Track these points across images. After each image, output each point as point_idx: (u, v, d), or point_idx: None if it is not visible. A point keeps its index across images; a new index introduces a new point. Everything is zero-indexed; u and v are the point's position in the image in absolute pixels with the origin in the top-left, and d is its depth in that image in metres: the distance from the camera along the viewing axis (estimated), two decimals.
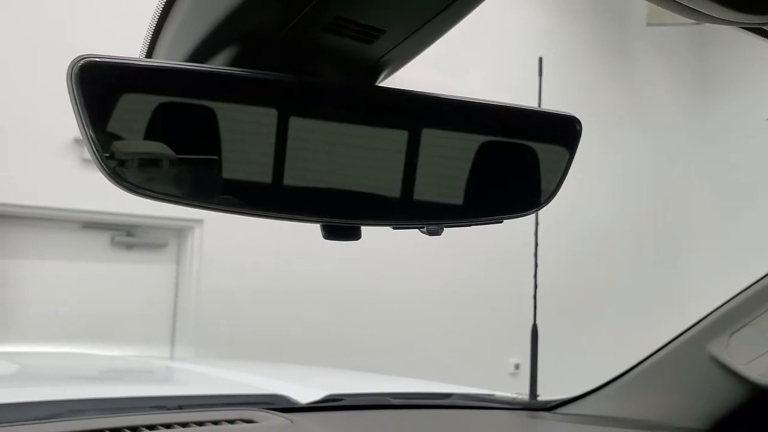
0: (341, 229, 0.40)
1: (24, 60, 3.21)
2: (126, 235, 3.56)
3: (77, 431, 0.86)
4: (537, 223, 1.45)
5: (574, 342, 4.61)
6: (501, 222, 0.44)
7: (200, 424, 0.93)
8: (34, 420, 0.95)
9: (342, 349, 3.76)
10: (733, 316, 1.12)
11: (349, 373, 1.83)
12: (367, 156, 0.39)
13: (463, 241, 4.47)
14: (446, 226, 0.43)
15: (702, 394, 1.14)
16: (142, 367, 1.71)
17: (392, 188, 0.39)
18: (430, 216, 0.42)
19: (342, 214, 0.40)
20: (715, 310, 1.15)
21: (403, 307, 4.21)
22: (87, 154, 3.04)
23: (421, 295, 4.29)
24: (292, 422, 0.98)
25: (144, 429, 0.89)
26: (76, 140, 3.30)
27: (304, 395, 1.19)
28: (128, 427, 0.89)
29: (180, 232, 3.71)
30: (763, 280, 1.11)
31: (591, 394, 1.28)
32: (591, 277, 5.07)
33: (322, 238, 0.41)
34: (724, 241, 5.41)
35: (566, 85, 4.61)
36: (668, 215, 5.70)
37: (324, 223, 0.40)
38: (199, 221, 3.65)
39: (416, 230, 0.41)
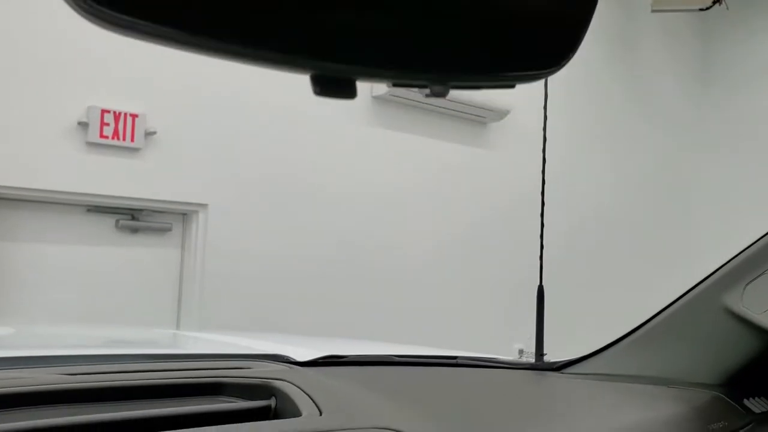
0: (335, 84, 0.37)
1: (25, 42, 3.19)
2: (130, 219, 3.54)
3: (77, 374, 0.83)
4: (543, 182, 1.41)
5: (580, 307, 4.58)
6: (513, 87, 0.40)
7: (194, 370, 0.90)
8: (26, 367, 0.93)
9: (346, 330, 3.73)
10: (746, 266, 1.08)
11: (352, 340, 1.80)
12: None
13: (465, 231, 4.44)
14: (453, 86, 0.38)
15: (715, 347, 1.11)
16: (140, 333, 1.69)
17: (393, 32, 0.36)
18: (436, 69, 0.38)
19: (335, 59, 0.36)
20: (728, 261, 1.12)
21: (408, 292, 4.19)
22: (91, 137, 3.02)
23: (425, 280, 4.26)
24: (291, 368, 0.95)
25: (135, 373, 0.86)
26: (80, 123, 3.29)
27: (304, 355, 1.15)
28: (119, 371, 0.86)
29: (185, 216, 3.69)
30: None
31: (600, 352, 1.24)
32: (593, 251, 5.04)
33: (314, 95, 0.38)
34: (730, 214, 5.39)
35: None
36: (674, 187, 5.69)
37: (315, 74, 0.37)
38: (204, 206, 3.63)
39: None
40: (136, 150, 3.43)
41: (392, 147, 4.22)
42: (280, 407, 0.76)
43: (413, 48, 0.36)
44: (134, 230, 3.56)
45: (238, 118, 3.70)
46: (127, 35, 0.33)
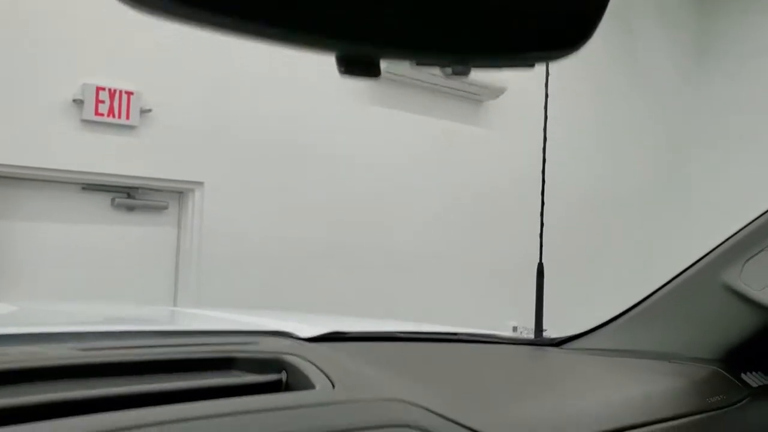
0: (359, 64, 0.38)
1: (18, 18, 3.16)
2: (126, 197, 3.54)
3: (81, 350, 0.84)
4: (544, 160, 1.42)
5: (578, 285, 4.62)
6: (533, 66, 0.41)
7: (203, 345, 0.91)
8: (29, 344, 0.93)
9: (344, 307, 3.76)
10: (746, 243, 1.10)
11: (355, 317, 1.82)
12: None
13: (461, 210, 4.46)
14: (474, 66, 0.39)
15: (714, 323, 1.12)
16: (146, 311, 1.70)
17: (416, 13, 0.36)
18: (457, 49, 0.38)
19: (360, 40, 0.37)
20: (728, 238, 1.13)
21: (403, 270, 4.21)
22: (86, 114, 3.00)
23: (420, 258, 4.29)
24: (300, 344, 0.96)
25: (149, 348, 0.87)
26: (75, 101, 3.27)
27: (309, 332, 1.16)
28: (125, 347, 0.87)
29: (180, 194, 3.68)
30: None
31: (599, 328, 1.26)
32: (589, 230, 5.07)
33: (339, 75, 0.39)
34: (725, 189, 5.43)
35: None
36: (671, 166, 5.72)
37: (340, 54, 0.37)
38: (200, 183, 3.63)
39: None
40: (131, 128, 3.42)
41: (389, 125, 4.21)
42: (291, 381, 0.77)
43: (435, 28, 0.37)
44: (130, 208, 3.56)
45: (235, 96, 3.69)
46: (149, 14, 0.34)
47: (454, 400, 0.76)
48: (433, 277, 4.31)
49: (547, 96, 1.36)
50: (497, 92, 4.48)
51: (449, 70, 0.40)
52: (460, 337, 1.29)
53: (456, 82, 4.25)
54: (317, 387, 0.69)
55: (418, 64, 0.40)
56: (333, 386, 0.69)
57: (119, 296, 3.37)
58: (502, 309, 4.36)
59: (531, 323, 4.20)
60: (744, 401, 1.02)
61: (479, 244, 4.52)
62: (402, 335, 1.22)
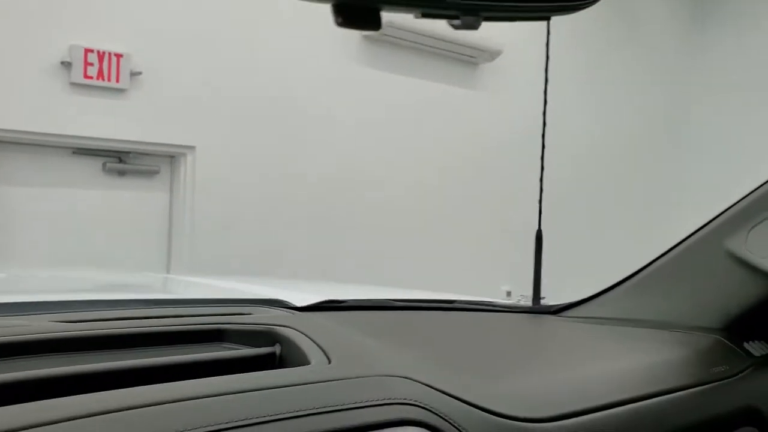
0: (359, 13, 0.34)
1: None
2: (118, 161, 3.49)
3: (66, 321, 0.81)
4: (544, 124, 1.38)
5: (577, 252, 4.61)
6: (548, 19, 0.37)
7: (195, 316, 0.88)
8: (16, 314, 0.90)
9: (336, 272, 3.75)
10: (751, 210, 1.07)
11: (349, 284, 1.80)
12: None
13: (455, 173, 4.42)
14: (485, 18, 0.35)
15: (717, 291, 1.10)
16: (137, 278, 1.68)
17: None
18: None
19: None
20: (733, 205, 1.10)
21: (397, 233, 4.19)
22: (74, 77, 2.93)
23: (413, 222, 4.26)
24: (294, 314, 0.93)
25: (136, 320, 0.84)
26: (63, 63, 3.20)
27: (302, 300, 1.14)
28: (119, 318, 0.84)
29: (172, 158, 3.63)
30: None
31: (598, 296, 1.24)
32: (589, 195, 5.05)
33: (336, 25, 0.35)
34: (724, 156, 5.41)
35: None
36: (671, 128, 5.70)
37: (338, 1, 0.33)
38: (191, 147, 3.58)
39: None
40: (121, 91, 3.35)
41: (382, 87, 4.15)
42: (285, 354, 0.74)
43: None
44: (121, 173, 3.51)
45: (226, 58, 3.62)
46: None
47: (454, 373, 0.74)
48: (428, 240, 4.29)
49: (548, 58, 1.31)
50: (493, 54, 4.41)
51: (458, 21, 0.36)
52: (457, 305, 1.27)
53: (452, 45, 4.17)
54: (313, 362, 0.66)
55: (424, 15, 0.36)
56: (329, 361, 0.66)
57: (111, 262, 3.34)
58: (495, 273, 4.36)
59: (525, 288, 4.21)
60: (747, 371, 1.00)
61: (474, 207, 4.50)
62: (398, 304, 1.19)
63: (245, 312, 0.92)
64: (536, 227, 1.40)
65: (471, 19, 0.35)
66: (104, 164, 3.45)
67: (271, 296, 1.18)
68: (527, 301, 1.41)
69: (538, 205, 1.46)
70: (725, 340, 1.06)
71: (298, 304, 1.09)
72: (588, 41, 5.07)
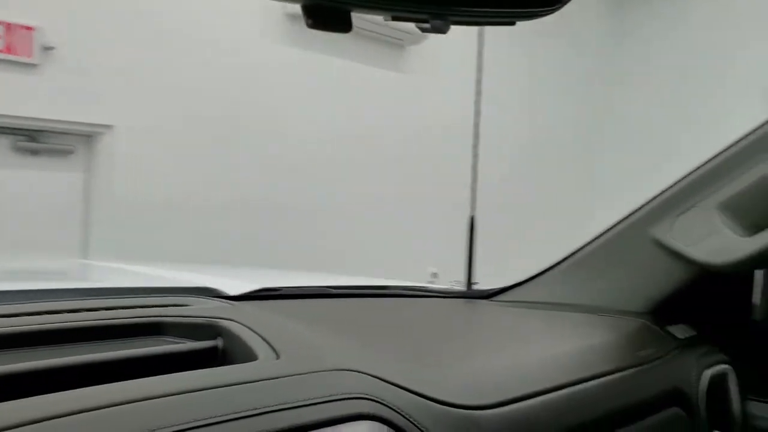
0: (329, 14, 0.33)
1: None
2: (29, 140, 3.32)
3: None
4: (477, 112, 1.40)
5: (508, 236, 4.69)
6: (513, 24, 0.37)
7: (130, 308, 0.85)
8: None
9: (269, 256, 3.70)
10: (677, 199, 1.12)
11: (279, 270, 1.77)
12: None
13: (381, 155, 4.43)
14: (453, 21, 0.35)
15: (643, 276, 1.15)
16: (57, 265, 1.60)
17: None
18: (436, 3, 0.34)
19: None
20: (659, 194, 1.15)
21: (329, 216, 4.17)
22: None
23: (344, 205, 4.25)
24: (233, 305, 0.91)
25: (66, 312, 0.80)
26: None
27: (235, 288, 1.11)
28: (47, 311, 0.80)
29: (89, 138, 3.48)
30: (708, 163, 1.10)
31: (530, 281, 1.27)
32: (515, 181, 5.16)
33: (306, 27, 0.34)
34: (644, 141, 5.59)
35: None
36: (596, 113, 5.85)
37: (308, 3, 0.32)
38: (109, 127, 3.44)
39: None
40: (32, 66, 3.18)
41: (308, 68, 4.10)
42: (228, 348, 0.73)
43: None
44: (34, 152, 3.34)
45: (144, 34, 3.48)
46: None
47: (400, 363, 0.74)
48: (353, 223, 4.28)
49: (481, 44, 1.33)
50: (420, 37, 4.42)
51: (427, 25, 0.36)
52: (393, 291, 1.27)
53: (378, 26, 4.15)
54: (260, 357, 0.65)
55: (393, 18, 0.35)
56: (277, 356, 0.65)
57: (22, 246, 3.18)
58: (422, 257, 4.40)
59: (451, 272, 4.28)
60: (672, 353, 1.05)
61: (400, 190, 4.52)
62: (334, 291, 1.19)
63: (181, 303, 0.89)
64: (464, 211, 1.42)
65: (439, 23, 0.35)
66: (15, 143, 3.28)
67: (202, 284, 1.15)
68: (454, 284, 1.43)
69: (469, 190, 1.48)
70: (651, 324, 1.11)
71: (231, 293, 1.07)
72: (514, 29, 5.13)
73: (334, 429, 0.55)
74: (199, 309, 0.86)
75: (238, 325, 0.75)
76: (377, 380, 0.64)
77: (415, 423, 0.61)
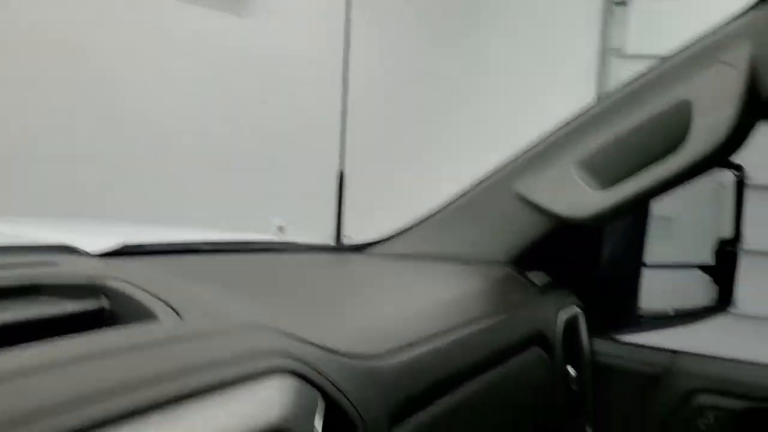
0: None
1: None
2: None
3: None
4: (346, 60, 1.39)
5: (377, 190, 4.61)
6: None
7: None
8: None
9: (114, 207, 3.48)
10: (540, 156, 1.19)
11: (143, 224, 1.67)
12: None
13: (231, 103, 4.29)
14: None
15: (508, 229, 1.22)
16: None
17: None
18: None
19: None
20: (524, 151, 1.21)
21: (169, 171, 3.98)
22: None
23: (183, 156, 4.07)
24: (106, 263, 0.86)
25: None
26: None
27: (96, 246, 1.03)
28: None
29: None
30: (570, 123, 1.18)
31: (400, 234, 1.30)
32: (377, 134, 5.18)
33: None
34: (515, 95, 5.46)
35: None
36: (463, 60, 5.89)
37: None
38: None
39: None
40: None
41: (135, 10, 3.82)
42: (116, 309, 0.68)
43: None
44: None
45: None
46: None
47: (298, 318, 0.74)
48: (195, 174, 4.12)
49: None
50: None
51: None
52: (264, 245, 1.25)
53: None
54: (160, 317, 0.61)
55: None
56: (179, 315, 0.62)
57: None
58: (263, 206, 4.33)
59: (296, 223, 4.28)
60: (534, 298, 1.13)
61: (243, 141, 4.40)
62: (204, 247, 1.15)
63: (48, 261, 0.82)
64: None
65: None
66: None
67: (57, 241, 1.06)
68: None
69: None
70: (514, 272, 1.19)
71: (89, 250, 1.00)
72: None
73: (253, 384, 0.54)
74: (71, 268, 0.80)
75: (124, 283, 0.71)
76: (284, 335, 0.63)
77: (326, 375, 0.61)
